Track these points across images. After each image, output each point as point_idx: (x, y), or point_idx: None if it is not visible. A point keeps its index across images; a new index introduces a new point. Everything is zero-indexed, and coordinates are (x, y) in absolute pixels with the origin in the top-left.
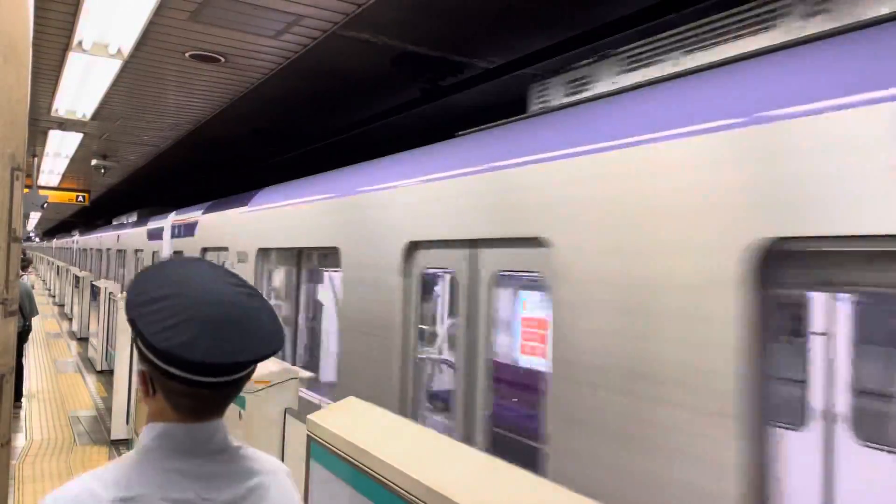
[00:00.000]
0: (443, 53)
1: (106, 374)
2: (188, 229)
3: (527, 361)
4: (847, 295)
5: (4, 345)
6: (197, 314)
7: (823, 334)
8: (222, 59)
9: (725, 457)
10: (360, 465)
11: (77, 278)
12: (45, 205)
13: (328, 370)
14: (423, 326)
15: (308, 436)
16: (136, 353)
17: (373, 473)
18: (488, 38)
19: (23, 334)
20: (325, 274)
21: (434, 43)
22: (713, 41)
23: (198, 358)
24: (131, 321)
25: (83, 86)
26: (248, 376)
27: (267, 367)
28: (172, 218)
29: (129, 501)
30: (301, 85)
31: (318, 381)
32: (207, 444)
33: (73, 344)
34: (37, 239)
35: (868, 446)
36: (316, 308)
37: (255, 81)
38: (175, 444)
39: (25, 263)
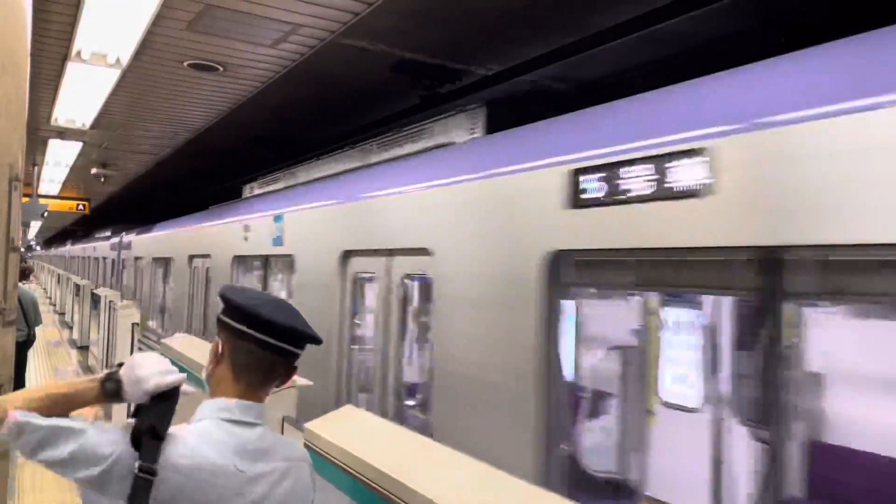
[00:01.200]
0: (441, 61)
1: None
2: None
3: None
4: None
5: (3, 354)
6: (272, 303)
7: None
8: (221, 68)
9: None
10: (358, 475)
11: (77, 286)
12: (45, 213)
13: None
14: None
15: (305, 444)
16: (217, 328)
17: (370, 483)
18: (485, 46)
19: (26, 344)
20: None
21: (432, 50)
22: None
23: (279, 320)
24: (224, 298)
25: (82, 95)
26: (293, 356)
27: None
28: None
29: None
30: (299, 93)
31: None
32: (249, 414)
33: (74, 352)
34: (38, 247)
35: None
36: None
37: (253, 90)
38: (229, 415)
39: (26, 272)
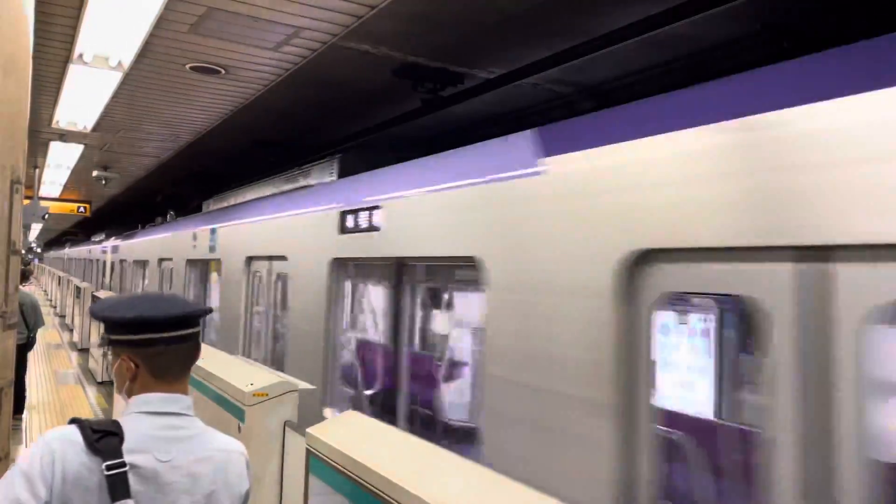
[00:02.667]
0: (443, 64)
1: (107, 386)
2: None
3: None
4: None
5: (3, 358)
6: (143, 301)
7: None
8: (223, 71)
9: None
10: (359, 480)
11: (78, 289)
12: (46, 216)
13: None
14: None
15: (307, 449)
16: (113, 354)
17: (371, 488)
18: (488, 49)
19: (25, 346)
20: None
21: (434, 53)
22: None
23: (160, 314)
24: (110, 318)
25: (84, 97)
26: (193, 338)
27: (264, 379)
28: None
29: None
30: (301, 96)
31: None
32: (173, 406)
33: (74, 355)
34: (39, 249)
35: None
36: None
37: (255, 93)
38: (150, 408)
39: (27, 274)
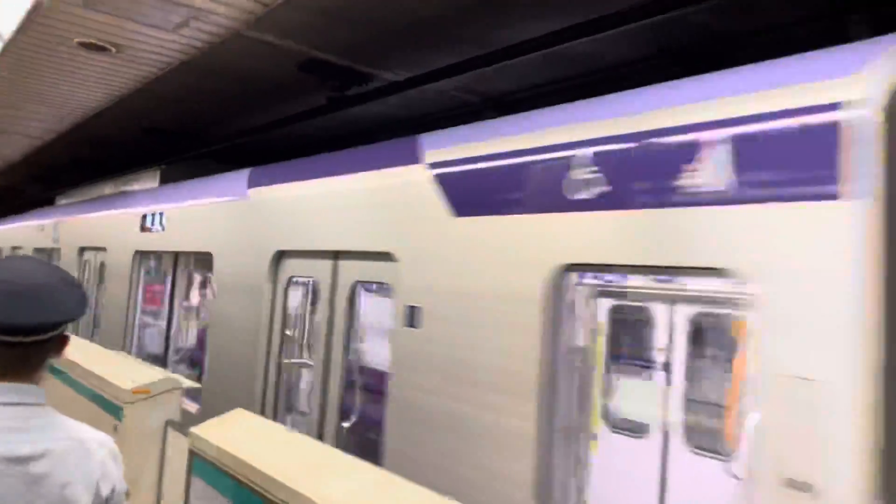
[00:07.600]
0: (350, 62)
1: None
2: None
3: None
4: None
5: None
6: None
7: None
8: (113, 50)
9: None
10: (245, 480)
11: None
12: None
13: None
14: None
15: (190, 450)
16: None
17: (257, 488)
18: (396, 51)
19: None
20: None
21: (341, 51)
22: None
23: None
24: None
25: None
26: (41, 343)
27: (148, 376)
28: None
29: None
30: (200, 84)
31: None
32: (14, 396)
33: None
34: None
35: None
36: None
37: (148, 76)
38: None
39: None
